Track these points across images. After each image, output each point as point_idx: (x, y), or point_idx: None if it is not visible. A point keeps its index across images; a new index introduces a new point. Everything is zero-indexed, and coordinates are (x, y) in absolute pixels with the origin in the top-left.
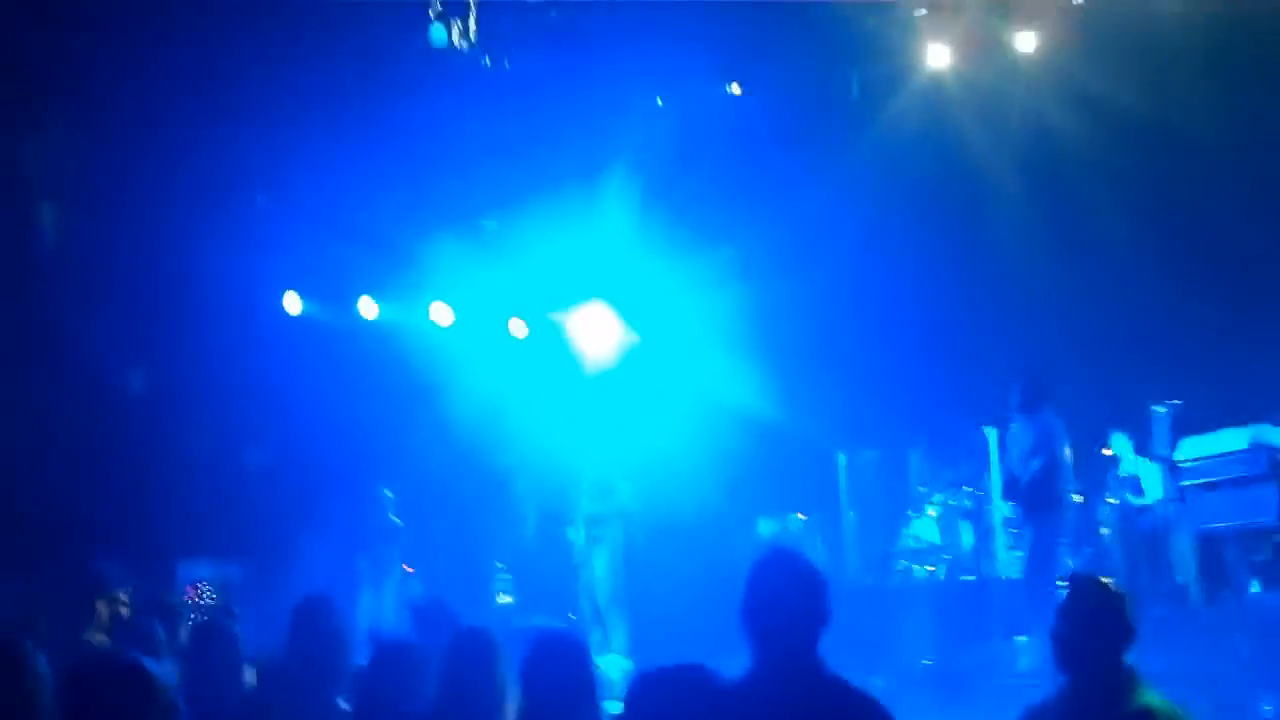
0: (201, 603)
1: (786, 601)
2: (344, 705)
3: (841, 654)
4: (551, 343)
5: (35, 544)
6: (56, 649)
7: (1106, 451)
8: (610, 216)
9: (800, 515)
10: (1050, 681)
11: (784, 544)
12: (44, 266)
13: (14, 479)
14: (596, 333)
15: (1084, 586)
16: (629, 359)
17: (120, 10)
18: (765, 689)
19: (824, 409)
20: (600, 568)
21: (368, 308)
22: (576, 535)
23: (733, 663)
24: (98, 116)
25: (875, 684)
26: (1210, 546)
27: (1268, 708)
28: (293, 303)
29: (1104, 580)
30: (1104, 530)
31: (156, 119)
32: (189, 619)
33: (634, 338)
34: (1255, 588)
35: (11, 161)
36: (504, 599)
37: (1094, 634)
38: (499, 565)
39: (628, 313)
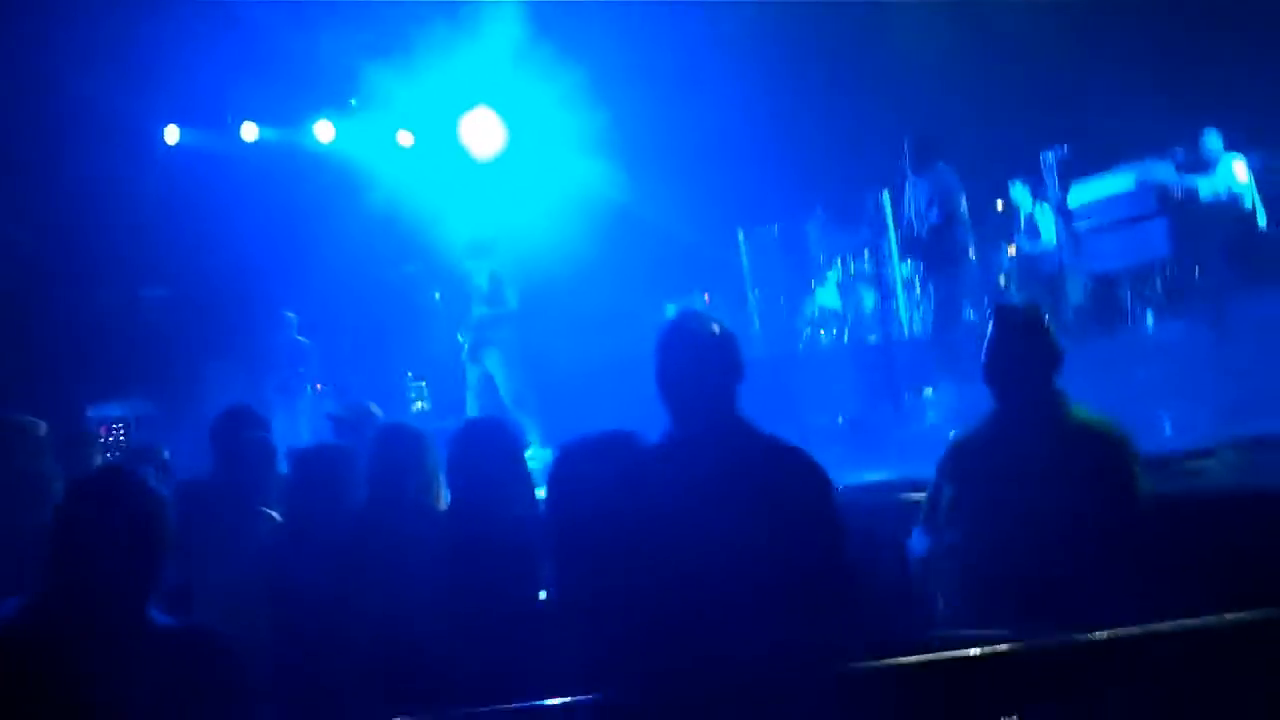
0: (115, 441)
1: (699, 359)
2: (275, 516)
3: (755, 419)
4: (440, 151)
5: None
6: None
7: (1002, 204)
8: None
9: (705, 295)
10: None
11: (688, 310)
12: None
13: None
14: (483, 138)
15: (1008, 312)
16: (515, 162)
17: None
18: (689, 445)
19: (718, 188)
20: (495, 370)
21: (248, 131)
22: (466, 338)
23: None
24: None
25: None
26: (1105, 287)
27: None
28: (172, 134)
29: (1027, 305)
30: (1003, 280)
31: None
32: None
33: (516, 140)
34: (1150, 320)
35: None
36: (419, 406)
37: (1024, 358)
38: (410, 374)
39: (511, 117)
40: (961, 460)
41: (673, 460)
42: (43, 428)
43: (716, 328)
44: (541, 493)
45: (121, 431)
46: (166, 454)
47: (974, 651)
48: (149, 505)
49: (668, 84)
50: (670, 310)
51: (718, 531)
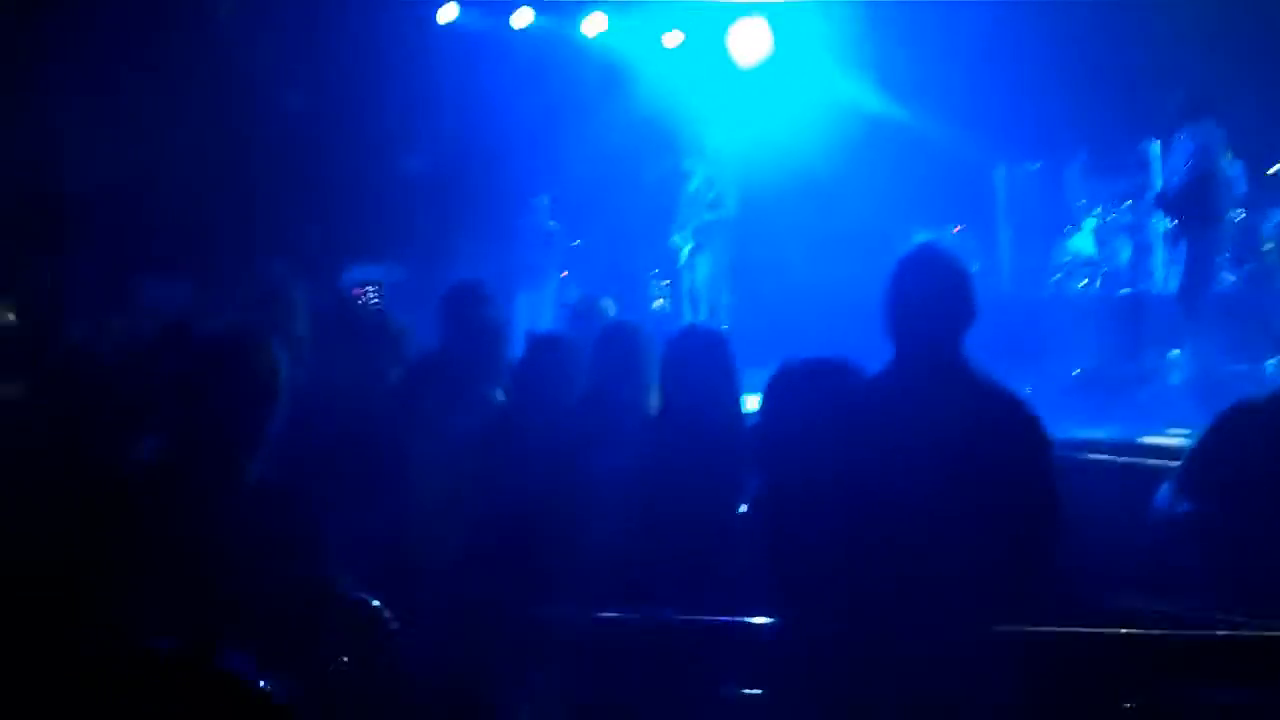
0: (369, 302)
1: (931, 294)
2: (499, 397)
3: (989, 361)
4: (706, 53)
5: (208, 247)
6: None
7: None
8: None
9: (956, 228)
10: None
11: (932, 242)
12: None
13: (187, 189)
14: (750, 44)
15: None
16: (778, 72)
17: None
18: (908, 381)
19: (982, 119)
20: (701, 276)
21: (521, 16)
22: (684, 242)
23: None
24: None
25: (1021, 390)
26: None
27: None
28: (447, 12)
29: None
30: (1268, 246)
31: None
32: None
33: (782, 49)
34: None
35: None
36: (660, 304)
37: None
38: (655, 271)
39: (781, 26)
40: (1244, 427)
41: (889, 396)
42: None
43: (956, 265)
44: (753, 405)
45: (375, 293)
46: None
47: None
48: (262, 367)
49: (942, 9)
50: (918, 239)
51: (925, 473)
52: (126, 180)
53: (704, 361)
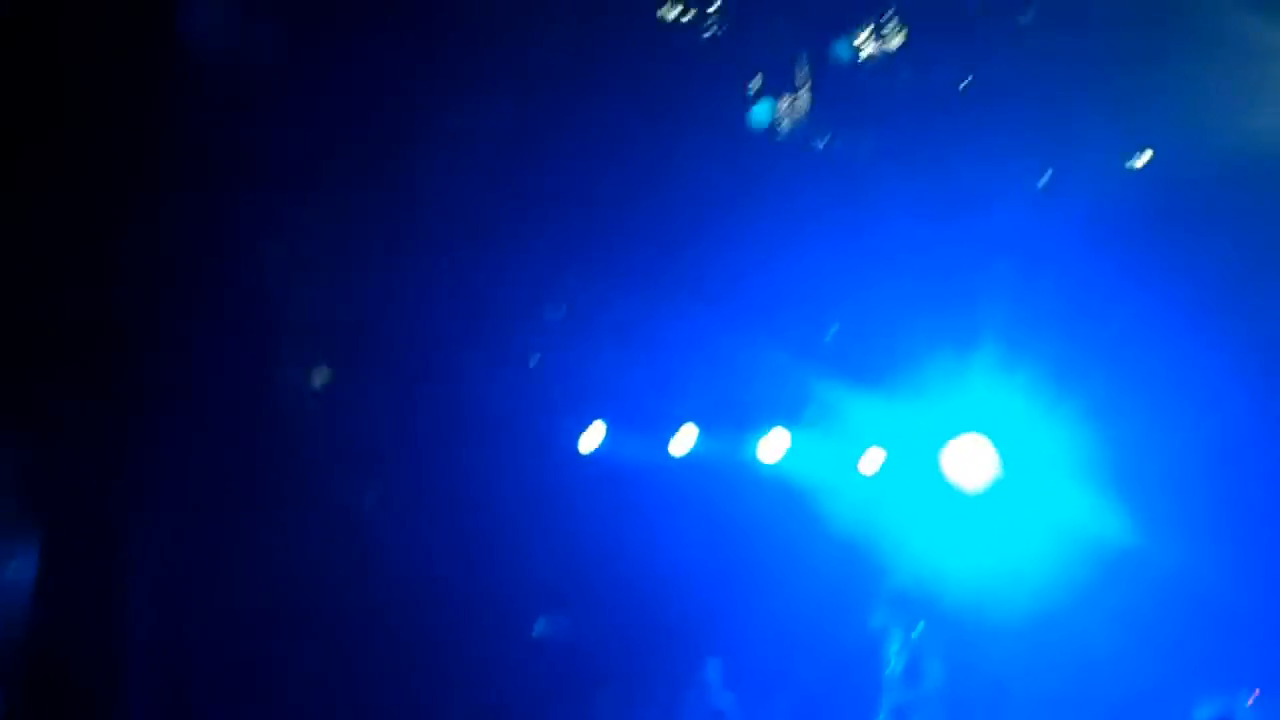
0: None
1: None
2: None
3: None
4: (914, 480)
5: None
6: None
7: None
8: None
9: (1255, 692)
10: None
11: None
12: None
13: None
14: (971, 467)
15: None
16: (1003, 496)
17: None
18: None
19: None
20: None
21: (683, 440)
22: None
23: None
24: None
25: None
26: None
27: None
28: (592, 438)
29: None
30: None
31: None
32: None
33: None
34: None
35: None
36: None
37: None
38: None
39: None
40: None
41: None
42: None
43: None
44: None
45: None
46: None
47: None
48: None
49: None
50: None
51: None
52: None
53: None
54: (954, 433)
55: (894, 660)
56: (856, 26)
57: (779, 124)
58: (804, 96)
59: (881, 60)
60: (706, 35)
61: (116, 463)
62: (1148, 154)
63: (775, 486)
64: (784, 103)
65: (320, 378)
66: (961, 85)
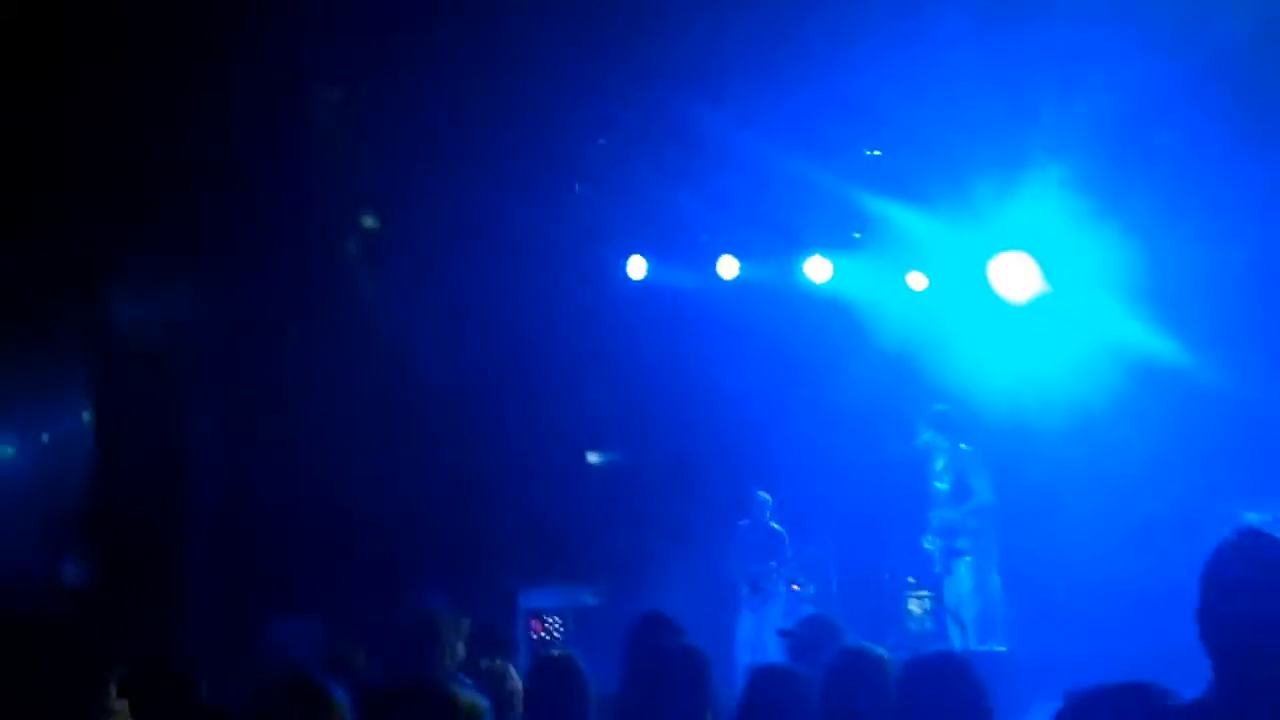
0: (550, 638)
1: (1260, 596)
2: None
3: None
4: (961, 297)
5: (362, 570)
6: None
7: None
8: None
9: None
10: None
11: (1261, 527)
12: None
13: (338, 503)
14: (1016, 283)
15: None
16: (1042, 315)
17: None
18: (1232, 710)
19: None
20: (964, 586)
21: (728, 266)
22: (933, 544)
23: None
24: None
25: None
26: None
27: None
28: (636, 267)
29: None
30: None
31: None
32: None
33: (1049, 289)
34: None
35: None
36: (920, 621)
37: None
38: (911, 580)
39: (1048, 262)
40: None
41: None
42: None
43: None
44: None
45: (558, 627)
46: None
47: None
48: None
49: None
50: (1246, 520)
51: None
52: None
53: (948, 700)
54: (999, 249)
55: (941, 477)
56: None
57: None
58: None
59: None
60: None
61: None
62: None
63: (823, 306)
64: None
65: (369, 221)
66: None
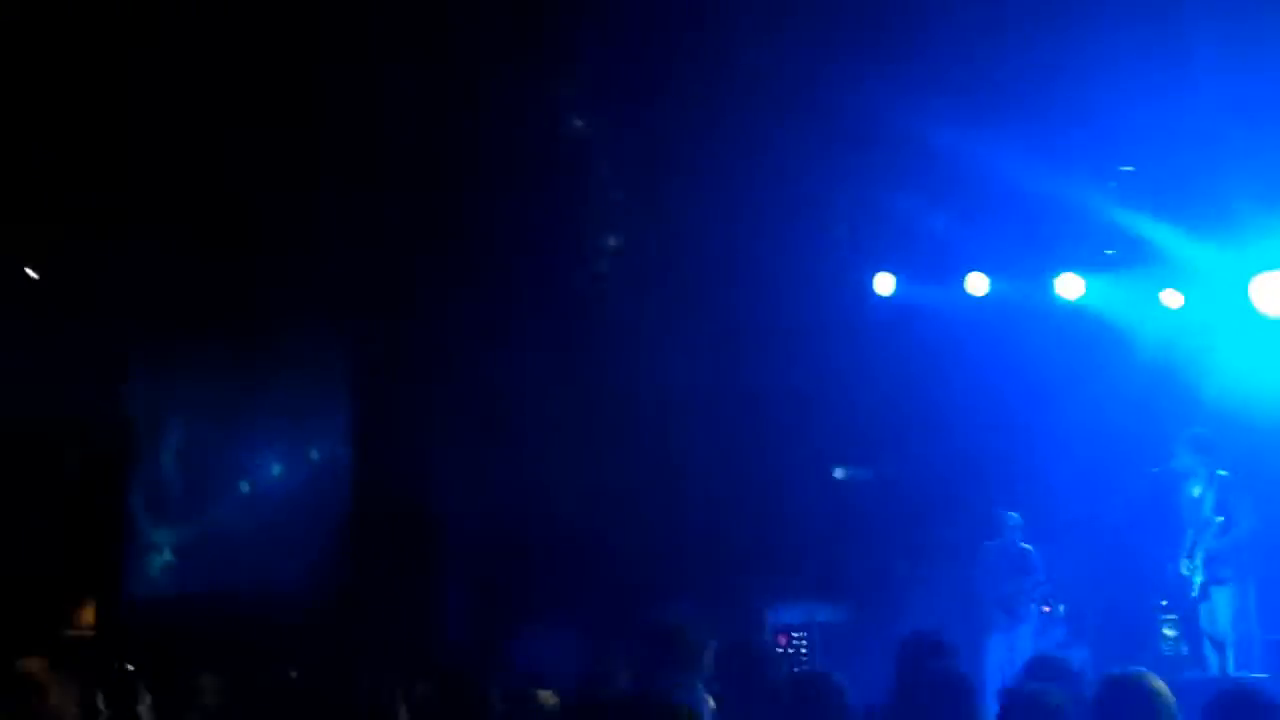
0: (795, 654)
1: None
2: None
3: None
4: (1223, 317)
5: (616, 586)
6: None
7: None
8: None
9: None
10: None
11: None
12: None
13: (591, 523)
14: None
15: None
16: None
17: None
18: None
19: None
20: (1222, 614)
21: (977, 283)
22: (1192, 571)
23: None
24: None
25: None
26: None
27: None
28: (885, 282)
29: None
30: None
31: None
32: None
33: None
34: None
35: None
36: (1173, 646)
37: None
38: (1164, 603)
39: None
40: None
41: None
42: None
43: None
44: None
45: (803, 643)
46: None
47: None
48: None
49: None
50: None
51: None
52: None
53: None
54: (1261, 268)
55: (1204, 504)
56: None
57: None
58: None
59: None
60: None
61: None
62: None
63: (1075, 324)
64: None
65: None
66: None
